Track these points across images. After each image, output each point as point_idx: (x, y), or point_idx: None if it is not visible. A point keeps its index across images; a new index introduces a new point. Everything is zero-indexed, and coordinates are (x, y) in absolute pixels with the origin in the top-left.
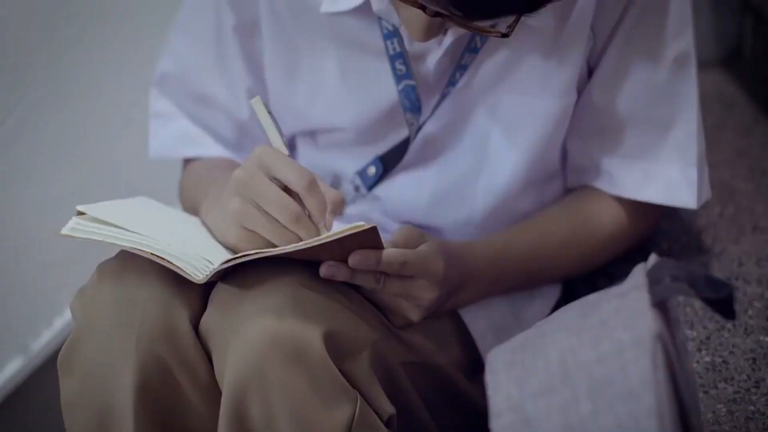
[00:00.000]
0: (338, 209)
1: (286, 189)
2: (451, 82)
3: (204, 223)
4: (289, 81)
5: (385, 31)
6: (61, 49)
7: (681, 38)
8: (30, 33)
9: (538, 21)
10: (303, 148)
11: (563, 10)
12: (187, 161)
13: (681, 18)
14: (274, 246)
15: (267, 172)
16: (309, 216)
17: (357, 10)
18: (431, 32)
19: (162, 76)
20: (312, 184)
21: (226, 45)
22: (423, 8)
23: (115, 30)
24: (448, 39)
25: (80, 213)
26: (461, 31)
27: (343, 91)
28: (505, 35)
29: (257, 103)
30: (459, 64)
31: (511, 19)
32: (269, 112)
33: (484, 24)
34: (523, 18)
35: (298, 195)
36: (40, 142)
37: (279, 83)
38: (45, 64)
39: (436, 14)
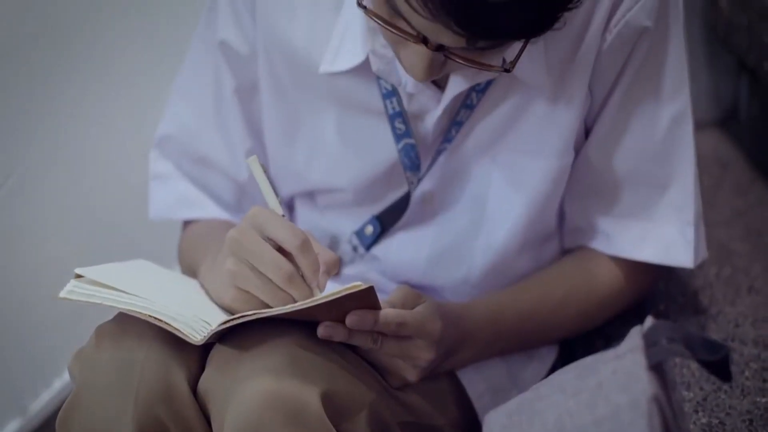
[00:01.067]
0: (332, 270)
1: (281, 249)
2: (447, 139)
3: (202, 285)
4: (288, 142)
5: (384, 91)
6: (60, 110)
7: (678, 98)
8: (29, 94)
9: (533, 78)
10: (302, 209)
11: (560, 69)
12: (187, 223)
13: (678, 78)
14: (270, 306)
15: (261, 232)
16: (303, 276)
17: (355, 70)
18: (432, 71)
19: (162, 138)
20: (305, 245)
21: (226, 107)
22: (425, 41)
23: (115, 91)
24: (447, 97)
25: (78, 276)
26: (459, 87)
27: (342, 152)
28: (507, 70)
29: (253, 162)
30: (455, 120)
31: (505, 58)
32: (265, 172)
33: (488, 58)
34: (517, 73)
35: (292, 255)
36: (38, 204)
37: (278, 145)
38: (44, 126)
39: (438, 48)
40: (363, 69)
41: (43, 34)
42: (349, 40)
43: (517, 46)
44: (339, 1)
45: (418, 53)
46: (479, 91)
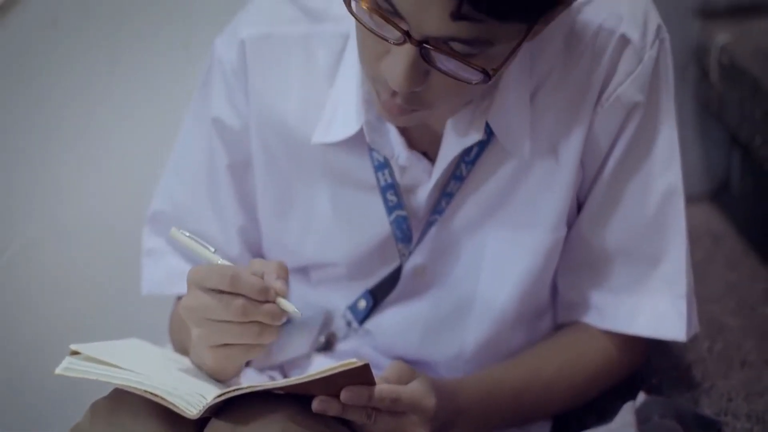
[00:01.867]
0: (282, 273)
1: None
2: (437, 210)
3: (193, 361)
4: (281, 218)
5: (376, 163)
6: (54, 187)
7: (669, 172)
8: (22, 173)
9: (514, 144)
10: (295, 284)
11: (551, 143)
12: (179, 298)
13: (669, 152)
14: (254, 348)
15: (200, 287)
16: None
17: (348, 142)
18: (414, 78)
19: (154, 213)
20: (234, 279)
21: (219, 183)
22: (408, 35)
23: (107, 170)
24: (438, 168)
25: (74, 352)
26: (450, 154)
27: (334, 226)
28: (488, 75)
29: (175, 233)
30: (444, 191)
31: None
32: (188, 235)
33: (474, 57)
34: (500, 139)
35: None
36: (36, 277)
37: (271, 220)
38: (38, 203)
39: (422, 42)
40: (356, 141)
41: (38, 109)
42: (342, 112)
43: (501, 56)
44: (332, 75)
45: (401, 56)
46: (469, 162)
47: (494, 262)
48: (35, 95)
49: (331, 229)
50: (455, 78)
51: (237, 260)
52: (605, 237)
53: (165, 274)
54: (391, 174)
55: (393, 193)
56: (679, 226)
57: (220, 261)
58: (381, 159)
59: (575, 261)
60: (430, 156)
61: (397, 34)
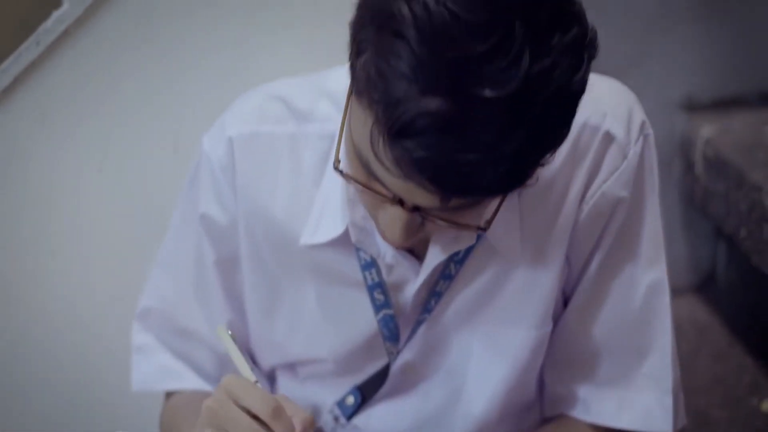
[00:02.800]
0: (308, 429)
1: (256, 416)
2: (426, 309)
3: None
4: (268, 315)
5: (363, 262)
6: (45, 281)
7: (655, 266)
8: (14, 265)
9: (509, 249)
10: (283, 380)
11: (537, 240)
12: (169, 394)
13: (654, 246)
14: None
15: (235, 400)
16: None
17: (335, 242)
18: (409, 234)
19: (144, 310)
20: (276, 411)
21: (207, 279)
22: (401, 203)
23: (97, 269)
24: (426, 268)
25: None
26: (437, 258)
27: (322, 323)
28: (483, 229)
29: (221, 331)
30: (434, 290)
31: (488, 213)
32: (234, 340)
33: (464, 218)
34: (493, 242)
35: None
36: (21, 374)
37: (259, 317)
38: (28, 296)
39: (414, 209)
40: (342, 240)
41: (26, 207)
42: (328, 213)
43: (493, 205)
44: (318, 175)
45: (395, 216)
46: (458, 261)
47: (481, 357)
48: (23, 193)
49: (319, 326)
50: (452, 228)
51: (227, 357)
52: (591, 332)
53: (156, 370)
54: (378, 273)
55: (380, 292)
56: (665, 321)
57: (253, 378)
58: (368, 258)
59: (561, 355)
60: (417, 253)
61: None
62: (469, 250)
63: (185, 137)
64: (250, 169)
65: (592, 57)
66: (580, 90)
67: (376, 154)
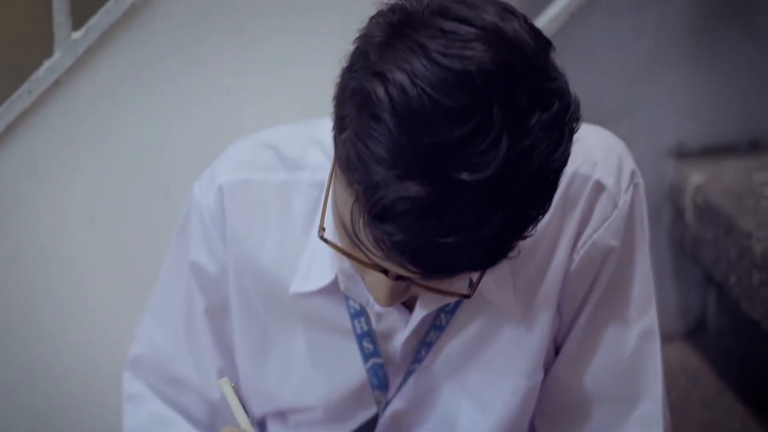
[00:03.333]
0: None
1: None
2: (417, 359)
3: None
4: (258, 362)
5: (353, 310)
6: (37, 331)
7: (645, 315)
8: (6, 315)
9: (502, 300)
10: (273, 428)
11: (529, 290)
12: None
13: (645, 295)
14: None
15: None
16: None
17: (325, 290)
18: (395, 297)
19: (134, 358)
20: None
21: (197, 327)
22: (385, 272)
23: (89, 312)
24: (415, 319)
25: None
26: (426, 309)
27: (311, 371)
28: (466, 296)
29: (225, 384)
30: (424, 341)
31: (471, 278)
32: (235, 392)
33: (445, 284)
34: (486, 295)
35: None
36: (16, 425)
37: (249, 365)
38: (20, 347)
39: (399, 277)
40: (332, 289)
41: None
42: (318, 261)
43: (476, 273)
44: (308, 223)
45: (380, 281)
46: (448, 312)
47: (472, 406)
48: (16, 242)
49: (308, 374)
50: (436, 294)
51: (218, 404)
52: (582, 380)
53: (147, 418)
54: (367, 321)
55: (369, 341)
56: (656, 368)
57: (251, 431)
58: (357, 306)
59: (553, 403)
60: (407, 303)
61: None
62: (459, 302)
63: (176, 185)
64: (240, 217)
65: (573, 131)
66: (561, 165)
67: (356, 234)
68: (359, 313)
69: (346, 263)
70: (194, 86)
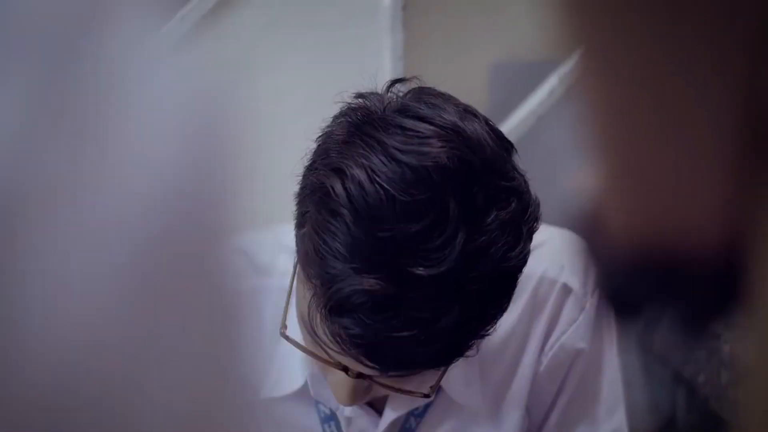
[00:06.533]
0: None
1: None
2: None
3: None
4: None
5: (323, 415)
6: None
7: (614, 417)
8: None
9: (470, 401)
10: None
11: (498, 392)
12: None
13: (614, 397)
14: None
15: None
16: None
17: (295, 395)
18: (356, 396)
19: None
20: None
21: None
22: (345, 370)
23: None
24: (385, 421)
25: None
26: (395, 413)
27: None
28: (427, 395)
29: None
30: None
31: (433, 379)
32: None
33: (407, 384)
34: (454, 396)
35: None
36: None
37: None
38: None
39: (359, 375)
40: (302, 393)
41: None
42: (288, 366)
43: (437, 372)
44: (277, 330)
45: (342, 379)
46: (418, 415)
47: None
48: None
49: None
50: (397, 393)
51: None
52: None
53: None
54: (337, 426)
55: None
56: None
57: None
58: (327, 411)
59: None
60: (377, 407)
61: None
62: (429, 404)
63: None
64: None
65: (532, 230)
66: (519, 264)
67: (314, 329)
68: (329, 418)
69: (316, 367)
70: None
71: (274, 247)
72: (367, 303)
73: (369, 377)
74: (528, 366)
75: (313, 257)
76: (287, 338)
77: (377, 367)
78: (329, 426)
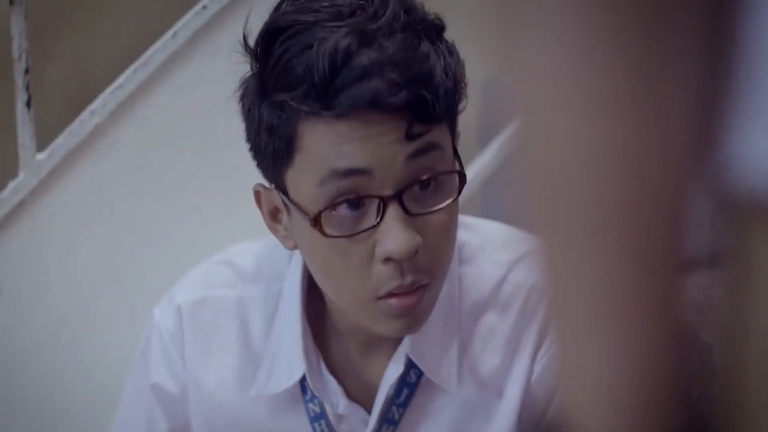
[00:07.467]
0: None
1: None
2: None
3: None
4: None
5: (312, 414)
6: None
7: None
8: None
9: (438, 376)
10: None
11: (488, 396)
12: None
13: None
14: None
15: None
16: None
17: (285, 393)
18: (412, 233)
19: None
20: None
21: None
22: (382, 200)
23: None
24: (374, 417)
25: None
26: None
27: None
28: (458, 173)
29: None
30: None
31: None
32: None
33: (438, 197)
34: (428, 374)
35: None
36: None
37: None
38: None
39: (397, 195)
40: (292, 392)
41: None
42: (278, 367)
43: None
44: (266, 334)
45: (390, 225)
46: (400, 405)
47: None
48: None
49: None
50: (440, 194)
51: None
52: None
53: None
54: (328, 424)
55: None
56: None
57: None
58: (317, 410)
59: None
60: (367, 408)
61: (373, 213)
62: (410, 394)
63: (140, 306)
64: (199, 335)
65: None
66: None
67: (340, 143)
68: (319, 416)
69: (312, 363)
70: (159, 207)
71: (262, 254)
72: (347, 56)
73: (401, 198)
74: (520, 375)
75: (282, 74)
76: (326, 235)
77: (402, 86)
78: (319, 425)
